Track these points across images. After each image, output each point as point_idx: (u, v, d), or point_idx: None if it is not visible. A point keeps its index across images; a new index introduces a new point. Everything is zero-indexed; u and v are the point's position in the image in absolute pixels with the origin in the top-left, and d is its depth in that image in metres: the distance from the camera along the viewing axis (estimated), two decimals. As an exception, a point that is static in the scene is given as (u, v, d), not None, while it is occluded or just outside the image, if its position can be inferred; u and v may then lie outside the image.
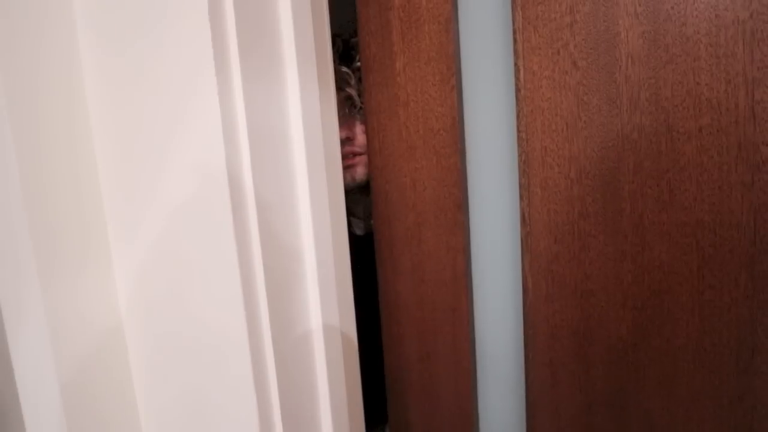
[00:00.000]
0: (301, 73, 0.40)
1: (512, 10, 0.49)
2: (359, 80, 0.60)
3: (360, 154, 0.67)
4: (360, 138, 0.67)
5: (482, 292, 0.58)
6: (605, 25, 0.46)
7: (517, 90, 0.50)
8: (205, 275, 0.37)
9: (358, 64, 0.63)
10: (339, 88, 0.66)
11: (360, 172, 0.68)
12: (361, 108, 0.65)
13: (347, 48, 0.67)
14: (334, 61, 0.68)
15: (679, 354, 0.48)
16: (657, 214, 0.46)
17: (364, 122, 0.57)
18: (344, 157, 0.65)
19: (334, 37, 0.68)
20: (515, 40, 0.49)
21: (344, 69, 0.67)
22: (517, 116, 0.51)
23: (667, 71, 0.44)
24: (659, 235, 0.47)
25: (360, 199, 0.73)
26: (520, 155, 0.51)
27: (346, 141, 0.66)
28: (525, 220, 0.52)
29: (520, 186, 0.52)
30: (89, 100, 0.36)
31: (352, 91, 0.67)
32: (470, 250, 0.58)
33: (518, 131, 0.51)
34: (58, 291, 0.35)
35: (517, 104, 0.51)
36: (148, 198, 0.37)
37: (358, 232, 0.76)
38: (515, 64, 0.50)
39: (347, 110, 0.67)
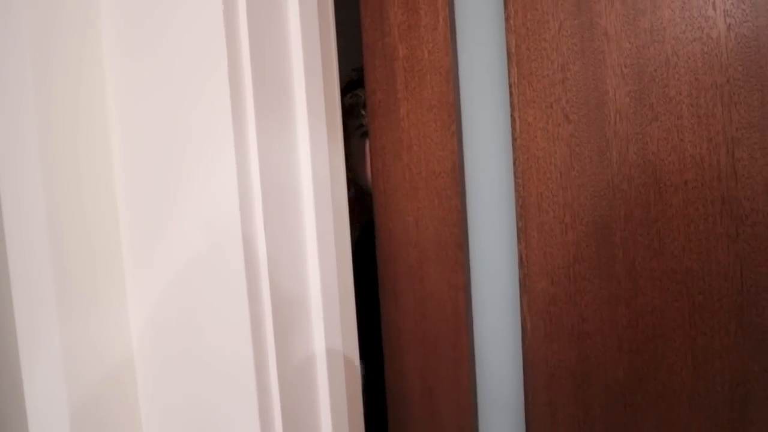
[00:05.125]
0: (312, 130, 0.43)
1: (508, 66, 0.53)
2: None
3: None
4: None
5: (482, 330, 0.60)
6: (594, 84, 0.49)
7: (514, 139, 0.53)
8: (215, 319, 0.39)
9: None
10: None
11: None
12: None
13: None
14: (363, 108, 0.72)
15: (674, 398, 0.49)
16: (648, 261, 0.48)
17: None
18: None
19: (356, 71, 0.72)
20: (511, 93, 0.53)
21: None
22: (514, 163, 0.54)
23: (653, 128, 0.47)
24: (651, 281, 0.48)
25: None
26: (517, 200, 0.54)
27: None
28: (523, 262, 0.54)
29: (518, 229, 0.54)
30: (114, 145, 0.39)
31: None
32: (470, 288, 0.59)
33: (515, 177, 0.54)
34: (73, 321, 0.36)
35: (514, 152, 0.53)
36: (164, 239, 0.39)
37: None
38: (511, 115, 0.53)
39: None
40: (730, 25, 0.43)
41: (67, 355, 0.36)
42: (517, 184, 0.53)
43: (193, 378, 0.40)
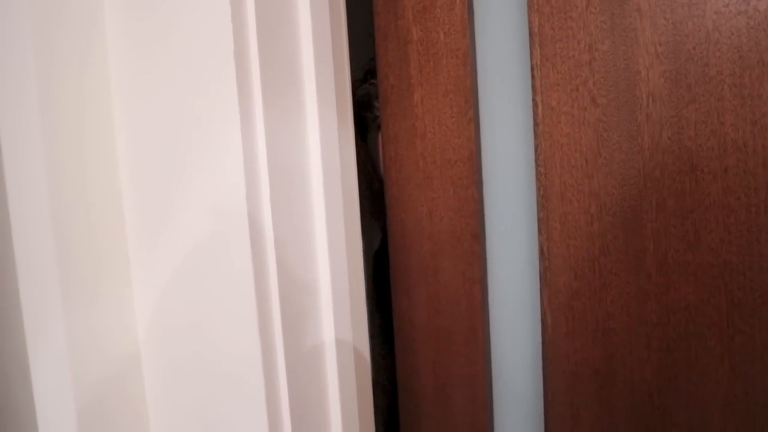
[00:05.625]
0: (322, 117, 0.41)
1: (530, 47, 0.49)
2: None
3: None
4: None
5: (499, 325, 0.57)
6: (625, 64, 0.45)
7: (536, 125, 0.50)
8: (222, 311, 0.37)
9: None
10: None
11: None
12: None
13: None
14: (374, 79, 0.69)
15: (708, 400, 0.46)
16: (682, 254, 0.45)
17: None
18: None
19: (371, 60, 0.69)
20: (533, 77, 0.50)
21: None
22: (536, 150, 0.51)
23: (690, 111, 0.43)
24: (685, 275, 0.45)
25: None
26: (538, 189, 0.51)
27: None
28: (544, 255, 0.52)
29: (539, 220, 0.51)
30: (118, 134, 0.38)
31: None
32: (487, 282, 0.57)
33: (536, 165, 0.51)
34: (78, 315, 0.36)
35: (536, 139, 0.51)
36: (170, 230, 0.38)
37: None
38: (533, 100, 0.50)
39: None
40: (777, -3, 0.40)
41: (73, 349, 0.35)
42: (538, 173, 0.50)
43: (200, 372, 0.38)
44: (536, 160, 0.51)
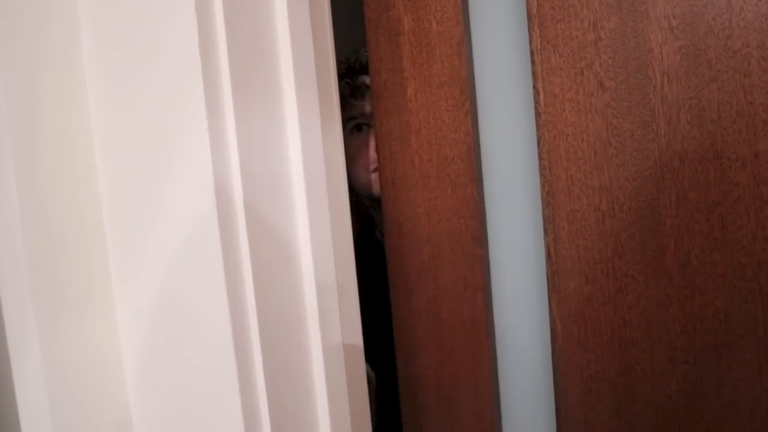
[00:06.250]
0: (302, 118, 0.38)
1: (529, 30, 0.45)
2: None
3: None
4: None
5: (505, 334, 0.53)
6: (635, 42, 0.41)
7: (537, 114, 0.46)
8: (201, 322, 0.34)
9: None
10: (367, 99, 0.64)
11: None
12: None
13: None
14: (363, 74, 0.67)
15: (742, 421, 0.40)
16: (708, 253, 0.40)
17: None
18: (374, 163, 0.62)
19: (359, 53, 0.67)
20: (533, 62, 0.45)
21: (368, 79, 0.65)
22: (539, 142, 0.46)
23: (712, 90, 0.38)
24: (712, 277, 0.40)
25: None
26: (542, 185, 0.47)
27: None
28: (551, 257, 0.47)
29: (544, 219, 0.47)
30: (94, 134, 0.36)
31: None
32: (490, 288, 0.53)
33: (540, 159, 0.46)
34: (53, 324, 0.34)
35: (538, 130, 0.46)
36: (147, 238, 0.36)
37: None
38: (534, 87, 0.46)
39: None
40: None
41: (48, 358, 0.32)
42: (542, 167, 0.46)
43: (180, 382, 0.36)
44: (539, 153, 0.46)
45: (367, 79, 0.64)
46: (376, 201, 0.67)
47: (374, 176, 0.63)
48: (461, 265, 0.52)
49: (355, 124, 0.66)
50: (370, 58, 0.54)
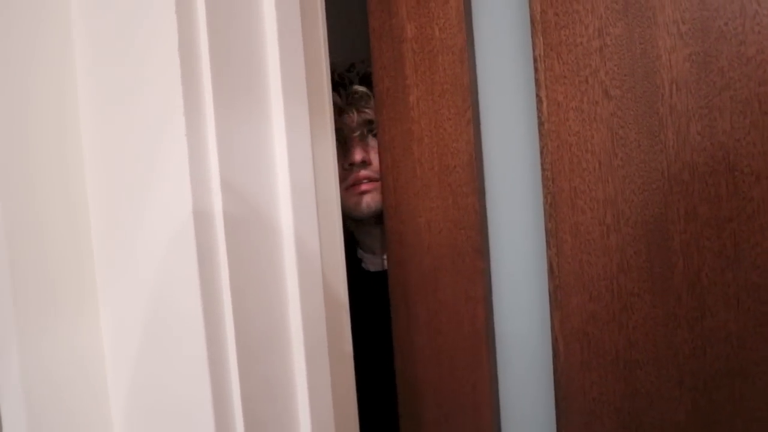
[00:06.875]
0: (290, 114, 0.37)
1: (532, 36, 0.44)
2: None
3: (376, 179, 0.62)
4: (376, 162, 0.61)
5: (506, 351, 0.51)
6: (642, 48, 0.39)
7: (540, 123, 0.45)
8: (178, 336, 0.34)
9: None
10: (357, 110, 0.63)
11: (375, 199, 0.62)
12: None
13: (367, 74, 0.65)
14: (353, 84, 0.66)
15: (759, 455, 0.37)
16: (720, 272, 0.37)
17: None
18: (359, 182, 0.62)
19: (353, 65, 0.67)
20: (536, 69, 0.44)
21: (362, 89, 0.64)
22: (541, 153, 0.45)
23: (724, 99, 0.36)
24: (723, 298, 0.37)
25: (375, 231, 0.67)
26: (545, 197, 0.45)
27: (361, 165, 0.62)
28: (553, 272, 0.45)
29: (547, 232, 0.45)
30: (83, 137, 0.36)
31: (371, 113, 0.63)
32: (492, 301, 0.51)
33: (543, 169, 0.45)
34: (34, 331, 0.34)
35: (541, 139, 0.45)
36: (130, 246, 0.35)
37: (372, 268, 0.70)
38: (537, 95, 0.44)
39: (365, 132, 0.63)
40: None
41: (27, 362, 0.32)
42: (545, 178, 0.44)
43: (160, 388, 0.35)
44: (542, 164, 0.45)
45: (359, 89, 0.63)
46: (350, 218, 0.65)
47: (344, 193, 0.61)
48: (462, 278, 0.50)
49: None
50: (373, 66, 0.54)
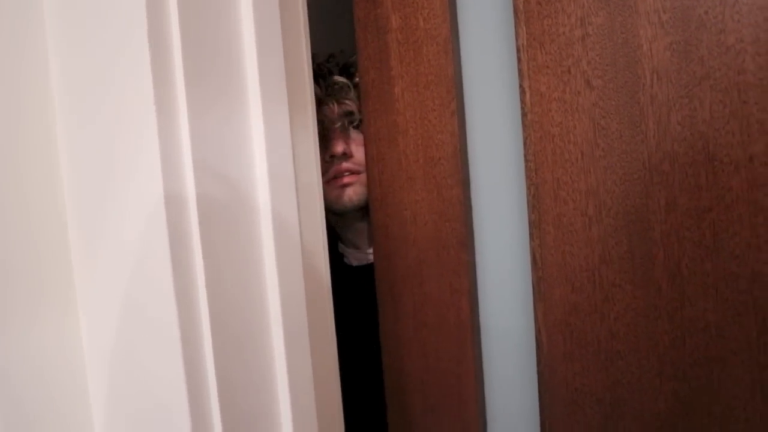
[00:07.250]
0: (267, 108, 0.36)
1: (515, 26, 0.44)
2: (359, 94, 0.56)
3: (358, 172, 0.61)
4: (358, 154, 0.60)
5: (491, 342, 0.51)
6: (623, 38, 0.39)
7: (524, 114, 0.44)
8: (155, 329, 0.33)
9: (358, 79, 0.58)
10: (337, 101, 0.61)
11: (358, 192, 0.61)
12: (360, 122, 0.59)
13: (347, 64, 0.64)
14: (332, 74, 0.65)
15: (736, 442, 0.38)
16: (699, 262, 0.37)
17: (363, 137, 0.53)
18: (340, 174, 0.60)
19: (332, 55, 0.65)
20: (519, 59, 0.44)
21: (342, 80, 0.62)
22: (525, 143, 0.45)
23: (704, 89, 0.36)
24: (703, 288, 0.37)
25: (357, 225, 0.65)
26: (528, 188, 0.45)
27: (342, 157, 0.60)
28: (537, 263, 0.45)
29: (530, 223, 0.45)
30: (59, 133, 0.35)
31: (352, 104, 0.62)
32: (476, 294, 0.51)
33: (526, 160, 0.45)
34: (4, 332, 0.33)
35: (524, 130, 0.44)
36: (104, 242, 0.35)
37: (355, 263, 0.67)
38: (520, 85, 0.44)
39: (345, 123, 0.61)
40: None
41: (4, 363, 0.32)
42: (528, 169, 0.44)
43: (136, 383, 0.35)
44: (525, 155, 0.44)
45: (339, 80, 0.62)
46: (330, 212, 0.63)
47: (325, 186, 0.58)
48: (447, 270, 0.50)
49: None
50: (359, 57, 0.53)
